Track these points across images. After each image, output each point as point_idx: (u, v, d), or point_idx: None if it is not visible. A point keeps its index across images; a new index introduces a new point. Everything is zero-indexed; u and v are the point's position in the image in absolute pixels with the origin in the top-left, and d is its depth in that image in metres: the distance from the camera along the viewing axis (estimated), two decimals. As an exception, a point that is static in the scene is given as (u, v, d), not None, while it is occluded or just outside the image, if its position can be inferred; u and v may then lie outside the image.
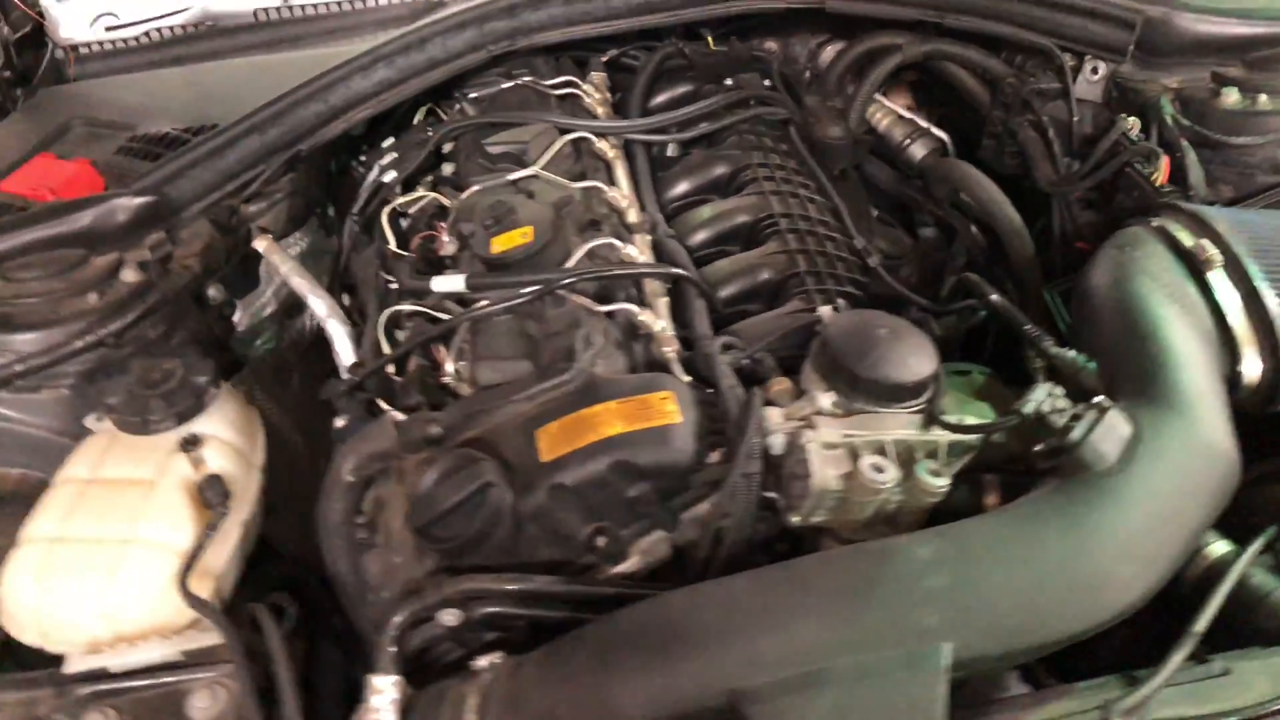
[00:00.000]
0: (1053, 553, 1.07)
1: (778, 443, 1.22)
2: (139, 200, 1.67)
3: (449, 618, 1.18)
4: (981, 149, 2.16)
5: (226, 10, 2.26)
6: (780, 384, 1.34)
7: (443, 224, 1.72)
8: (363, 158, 2.11)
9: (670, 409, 1.23)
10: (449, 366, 1.43)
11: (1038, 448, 1.20)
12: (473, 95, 2.06)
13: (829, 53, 2.45)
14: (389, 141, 2.05)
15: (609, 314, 1.46)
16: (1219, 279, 1.37)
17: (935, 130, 2.30)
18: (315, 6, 2.23)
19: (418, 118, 2.13)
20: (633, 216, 1.72)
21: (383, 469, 1.34)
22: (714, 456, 1.24)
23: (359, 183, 2.04)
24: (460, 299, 1.53)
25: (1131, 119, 1.88)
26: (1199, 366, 1.27)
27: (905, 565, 1.06)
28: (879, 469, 1.18)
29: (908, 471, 1.20)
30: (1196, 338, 1.31)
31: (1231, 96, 1.83)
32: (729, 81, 2.21)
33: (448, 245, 1.65)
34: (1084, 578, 1.07)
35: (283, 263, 1.74)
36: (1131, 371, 1.28)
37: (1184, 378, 1.24)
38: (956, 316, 1.73)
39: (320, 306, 1.67)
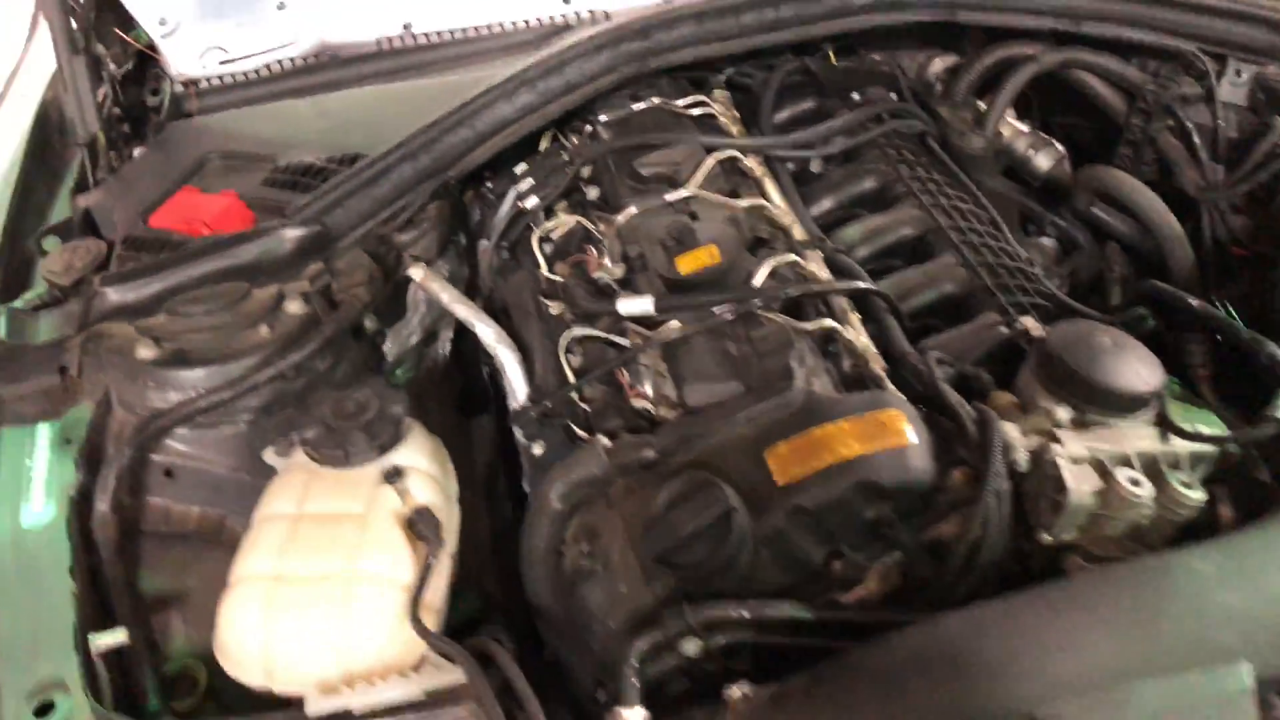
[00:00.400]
0: None
1: (1021, 459, 1.19)
2: (303, 230, 1.66)
3: (690, 647, 1.15)
4: (1118, 157, 2.13)
5: (347, 41, 2.25)
6: (1003, 398, 1.30)
7: (591, 247, 1.70)
8: (488, 184, 2.08)
9: (903, 427, 1.20)
10: (647, 389, 1.39)
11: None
12: (604, 119, 2.02)
13: (938, 65, 2.42)
14: (522, 167, 2.02)
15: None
16: None
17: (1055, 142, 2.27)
18: (439, 34, 2.21)
19: (543, 143, 2.11)
20: (798, 233, 1.69)
21: (589, 495, 1.32)
22: (956, 475, 1.21)
23: (484, 209, 2.03)
24: (644, 321, 1.50)
25: (1290, 121, 1.86)
26: None
27: (1191, 581, 1.02)
28: (1135, 482, 1.14)
29: (1158, 484, 1.17)
30: None
31: (1390, 94, 1.81)
32: (855, 96, 2.18)
33: (612, 268, 1.62)
34: None
35: (443, 291, 1.72)
36: None
37: None
38: (1125, 326, 1.69)
39: (488, 334, 1.64)
